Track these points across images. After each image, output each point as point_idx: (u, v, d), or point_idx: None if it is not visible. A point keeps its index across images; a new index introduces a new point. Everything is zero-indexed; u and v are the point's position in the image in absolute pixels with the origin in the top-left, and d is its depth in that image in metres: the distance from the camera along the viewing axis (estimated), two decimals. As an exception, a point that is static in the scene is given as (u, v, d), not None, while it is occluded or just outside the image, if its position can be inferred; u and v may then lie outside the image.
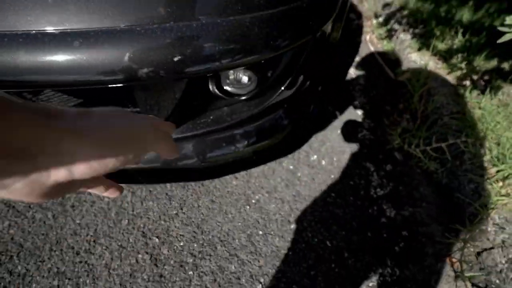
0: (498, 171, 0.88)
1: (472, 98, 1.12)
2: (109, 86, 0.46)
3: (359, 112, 1.21)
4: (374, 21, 1.89)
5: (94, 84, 0.45)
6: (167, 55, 0.43)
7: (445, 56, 1.35)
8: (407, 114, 1.23)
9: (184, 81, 0.59)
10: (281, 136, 0.82)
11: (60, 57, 0.41)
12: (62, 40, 0.41)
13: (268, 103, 0.71)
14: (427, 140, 1.03)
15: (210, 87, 0.64)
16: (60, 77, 0.44)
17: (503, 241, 0.78)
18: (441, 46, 1.41)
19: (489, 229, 0.80)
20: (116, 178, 0.70)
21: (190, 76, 0.48)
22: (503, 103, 1.08)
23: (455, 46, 1.39)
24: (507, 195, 0.82)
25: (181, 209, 0.84)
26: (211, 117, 0.70)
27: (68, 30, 0.41)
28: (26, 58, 0.41)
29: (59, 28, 0.41)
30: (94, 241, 0.77)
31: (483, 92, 1.13)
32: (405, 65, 1.45)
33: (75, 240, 0.77)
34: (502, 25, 0.79)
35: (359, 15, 1.99)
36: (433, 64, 1.34)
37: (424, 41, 1.48)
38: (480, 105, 1.08)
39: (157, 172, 0.77)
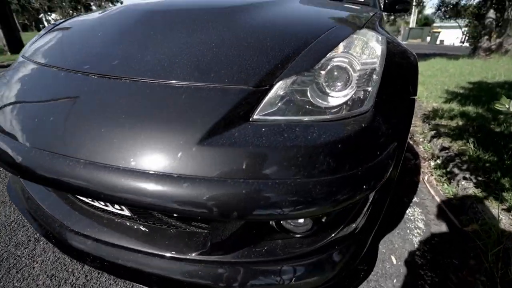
0: None
1: None
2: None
3: (419, 261, 1.12)
4: (432, 163, 1.94)
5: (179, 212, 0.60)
6: (245, 204, 0.56)
7: (520, 214, 1.25)
8: (481, 275, 1.07)
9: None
10: (329, 276, 0.81)
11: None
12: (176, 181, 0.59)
13: (321, 244, 0.76)
14: (512, 319, 0.85)
15: (271, 222, 0.74)
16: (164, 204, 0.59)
17: None
18: (513, 201, 1.33)
19: None
20: None
21: (258, 220, 0.60)
22: None
23: (530, 204, 1.29)
24: None
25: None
26: (265, 248, 0.77)
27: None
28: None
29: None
30: None
31: None
32: (470, 214, 1.37)
33: None
34: None
35: (415, 155, 2.08)
36: (507, 220, 1.23)
37: (490, 192, 1.43)
38: None
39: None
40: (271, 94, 0.71)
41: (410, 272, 1.06)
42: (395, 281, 1.02)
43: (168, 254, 0.80)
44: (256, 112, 0.68)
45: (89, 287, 0.94)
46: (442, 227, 1.32)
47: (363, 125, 0.71)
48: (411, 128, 2.57)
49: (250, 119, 0.67)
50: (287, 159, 0.60)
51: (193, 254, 0.77)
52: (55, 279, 0.96)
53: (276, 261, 0.76)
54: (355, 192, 0.65)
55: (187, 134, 0.63)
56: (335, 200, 0.61)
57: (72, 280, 0.96)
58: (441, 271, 1.09)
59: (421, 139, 2.33)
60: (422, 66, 6.00)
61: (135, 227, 0.88)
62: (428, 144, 2.20)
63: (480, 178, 1.60)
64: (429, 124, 2.46)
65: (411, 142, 2.27)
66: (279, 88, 0.72)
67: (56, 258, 1.05)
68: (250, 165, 0.59)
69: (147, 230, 0.87)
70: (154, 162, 0.61)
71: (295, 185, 0.58)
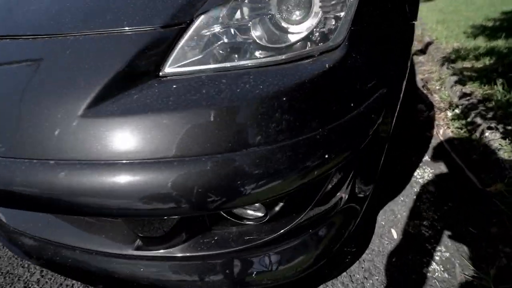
0: None
1: None
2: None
3: (426, 233, 0.93)
4: (449, 114, 1.65)
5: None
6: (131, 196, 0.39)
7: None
8: (505, 246, 0.88)
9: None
10: (303, 265, 0.66)
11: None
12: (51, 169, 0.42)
13: (284, 231, 0.59)
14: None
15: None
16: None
17: None
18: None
19: None
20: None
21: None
22: None
23: None
24: None
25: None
26: (216, 238, 0.61)
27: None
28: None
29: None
30: None
31: None
32: (495, 172, 1.13)
33: None
34: None
35: (429, 106, 1.79)
36: (541, 177, 1.00)
37: (522, 143, 1.17)
38: None
39: None
40: (190, 35, 0.49)
41: (413, 248, 0.89)
42: (394, 259, 0.85)
43: (105, 250, 0.67)
44: (169, 63, 0.48)
45: (43, 284, 0.85)
46: (458, 189, 1.11)
47: (327, 65, 0.49)
48: (425, 76, 2.22)
49: (160, 74, 0.47)
50: (204, 127, 0.41)
51: (130, 250, 0.63)
52: (9, 277, 0.88)
53: (230, 253, 0.61)
54: (320, 160, 0.46)
55: (67, 104, 0.44)
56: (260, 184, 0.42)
57: (27, 277, 0.88)
58: (454, 243, 0.90)
59: (437, 87, 2.00)
60: (441, 2, 5.20)
61: (78, 219, 0.76)
62: (446, 92, 1.88)
63: (509, 127, 1.32)
64: (448, 68, 2.09)
65: (424, 91, 1.95)
66: (202, 26, 0.50)
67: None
68: (150, 140, 0.41)
69: (91, 223, 0.75)
70: (29, 146, 0.44)
71: (215, 165, 0.40)
